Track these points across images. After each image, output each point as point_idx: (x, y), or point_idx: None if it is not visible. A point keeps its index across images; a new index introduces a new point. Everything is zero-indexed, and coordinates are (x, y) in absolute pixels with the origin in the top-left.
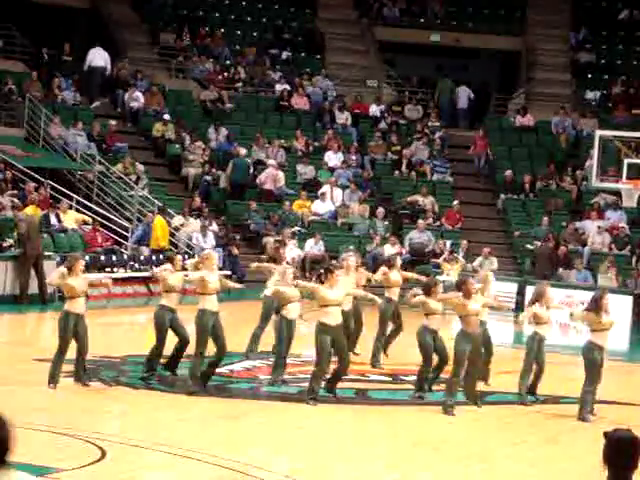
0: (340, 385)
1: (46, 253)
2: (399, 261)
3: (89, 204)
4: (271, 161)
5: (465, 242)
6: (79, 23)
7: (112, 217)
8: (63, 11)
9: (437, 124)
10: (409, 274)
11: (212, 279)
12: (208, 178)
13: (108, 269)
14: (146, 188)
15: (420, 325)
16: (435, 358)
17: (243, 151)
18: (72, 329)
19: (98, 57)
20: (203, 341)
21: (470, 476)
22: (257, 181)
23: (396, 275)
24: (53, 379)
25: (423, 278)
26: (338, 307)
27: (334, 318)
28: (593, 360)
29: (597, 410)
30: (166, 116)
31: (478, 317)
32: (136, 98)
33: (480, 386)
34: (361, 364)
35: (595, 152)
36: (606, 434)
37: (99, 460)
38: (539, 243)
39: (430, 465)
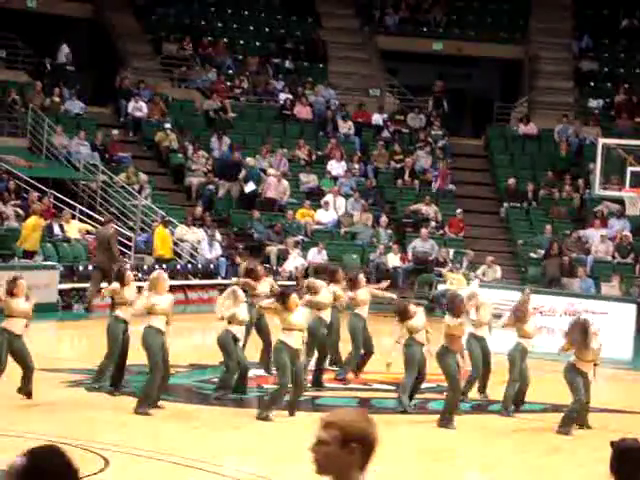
0: (343, 394)
1: (50, 263)
2: (362, 277)
3: (92, 214)
4: (271, 170)
5: (471, 252)
6: (82, 33)
7: (115, 227)
8: (66, 21)
9: (440, 132)
10: (376, 291)
11: (162, 301)
12: (211, 187)
13: None
14: (149, 198)
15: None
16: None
17: (252, 161)
18: (7, 347)
19: (62, 54)
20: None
21: None
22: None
23: (364, 293)
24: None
25: (390, 295)
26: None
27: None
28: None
29: (602, 419)
30: (167, 125)
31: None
32: (139, 108)
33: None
34: (366, 373)
35: (598, 160)
36: (613, 443)
37: (103, 470)
38: (542, 251)
39: (433, 474)
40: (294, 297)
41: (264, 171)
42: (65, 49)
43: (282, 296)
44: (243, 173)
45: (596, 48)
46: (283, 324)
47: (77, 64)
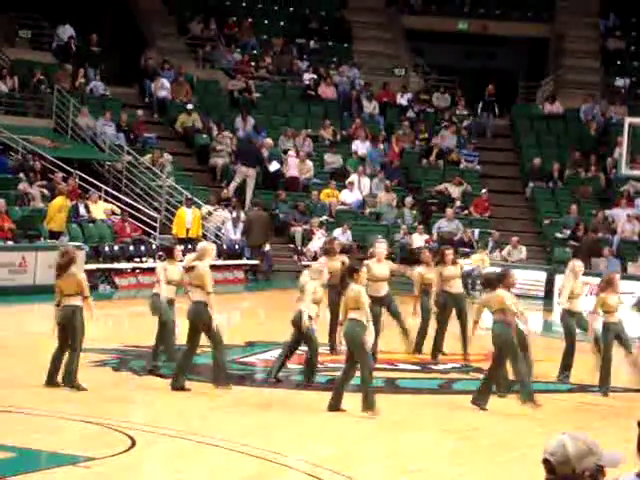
0: None
1: (75, 243)
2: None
3: (118, 194)
4: (291, 152)
5: (496, 233)
6: (107, 14)
7: (140, 207)
8: (91, 2)
9: (465, 112)
10: (396, 266)
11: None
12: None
13: (137, 259)
14: (170, 177)
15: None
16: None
17: (270, 142)
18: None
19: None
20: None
21: (500, 464)
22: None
23: (382, 268)
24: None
25: (408, 269)
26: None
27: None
28: None
29: (630, 398)
30: (189, 106)
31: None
32: (163, 87)
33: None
34: (388, 353)
35: (624, 139)
36: (639, 423)
37: (129, 449)
38: (568, 231)
39: (460, 454)
40: (363, 272)
41: (286, 152)
42: (68, 30)
43: (351, 271)
44: (265, 154)
45: (623, 27)
46: (351, 302)
47: (103, 45)
